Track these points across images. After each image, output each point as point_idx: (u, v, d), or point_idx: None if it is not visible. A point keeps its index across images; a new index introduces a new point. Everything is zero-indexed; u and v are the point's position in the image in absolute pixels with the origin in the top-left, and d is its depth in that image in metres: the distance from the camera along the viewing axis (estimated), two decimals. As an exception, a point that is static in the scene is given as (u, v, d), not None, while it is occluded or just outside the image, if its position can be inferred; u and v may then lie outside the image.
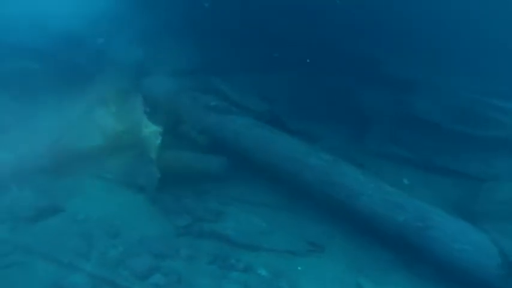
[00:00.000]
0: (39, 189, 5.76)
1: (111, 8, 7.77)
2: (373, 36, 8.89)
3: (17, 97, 7.20)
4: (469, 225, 5.48)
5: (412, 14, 8.48)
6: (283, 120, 7.76)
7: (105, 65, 8.17)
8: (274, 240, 5.51)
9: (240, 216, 5.82)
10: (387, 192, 5.86)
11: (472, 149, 7.43)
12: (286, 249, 5.38)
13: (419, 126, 7.88)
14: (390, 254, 5.37)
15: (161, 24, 9.24)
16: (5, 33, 7.40)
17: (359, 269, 5.17)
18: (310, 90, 8.77)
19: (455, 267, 5.05)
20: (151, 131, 6.51)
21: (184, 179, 6.25)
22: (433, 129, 7.78)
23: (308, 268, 5.19)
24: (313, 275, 5.10)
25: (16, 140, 6.10)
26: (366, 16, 8.72)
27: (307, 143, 6.88)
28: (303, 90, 8.76)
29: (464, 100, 8.34)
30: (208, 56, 9.17)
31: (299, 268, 5.18)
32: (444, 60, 8.73)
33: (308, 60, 8.63)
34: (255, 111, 7.78)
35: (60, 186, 5.91)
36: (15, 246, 4.91)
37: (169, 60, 9.14)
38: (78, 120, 6.96)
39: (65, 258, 4.82)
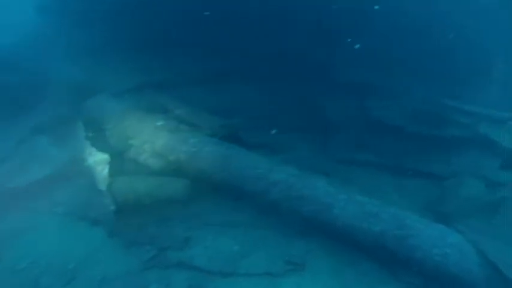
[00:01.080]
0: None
1: (47, 26, 7.26)
2: (330, 43, 9.03)
3: None
4: (445, 227, 5.56)
5: (368, 20, 8.72)
6: (240, 134, 7.56)
7: (41, 88, 7.56)
8: (249, 263, 5.21)
9: (208, 240, 5.48)
10: (359, 202, 5.86)
11: (434, 149, 7.66)
12: (264, 272, 5.10)
13: (382, 131, 8.03)
14: (374, 265, 5.26)
15: (102, 41, 8.79)
16: None
17: (344, 284, 5.00)
18: (267, 101, 8.68)
19: (438, 272, 5.04)
20: (96, 159, 6.07)
21: (143, 207, 5.83)
22: (395, 133, 7.96)
23: (291, 290, 4.93)
24: (298, 296, 4.86)
25: None
26: (322, 24, 8.85)
27: (269, 157, 6.76)
28: (260, 101, 8.65)
29: (422, 102, 8.67)
30: (154, 71, 8.83)
31: (281, 291, 4.91)
32: (401, 64, 9.04)
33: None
34: (208, 127, 7.52)
35: (-2, 228, 5.25)
36: None
37: (112, 79, 8.69)
38: (16, 151, 6.31)
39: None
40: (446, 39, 8.66)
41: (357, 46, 8.35)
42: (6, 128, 6.46)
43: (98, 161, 6.09)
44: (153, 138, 6.78)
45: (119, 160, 6.42)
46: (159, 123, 7.01)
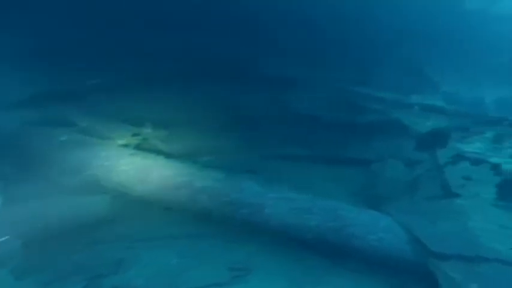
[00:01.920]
0: None
1: None
2: (244, 39, 8.92)
3: None
4: (376, 212, 5.73)
5: (280, 14, 8.78)
6: (156, 143, 7.13)
7: None
8: (192, 276, 4.83)
9: (143, 258, 5.02)
10: (290, 199, 5.85)
11: (354, 136, 7.94)
12: (209, 283, 4.76)
13: (303, 123, 8.13)
14: (318, 259, 5.22)
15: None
16: None
17: (292, 281, 4.87)
18: (184, 103, 8.31)
19: (377, 256, 5.17)
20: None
21: (63, 233, 5.18)
22: (316, 124, 8.11)
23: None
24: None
25: None
26: (235, 20, 8.71)
27: (191, 162, 6.49)
28: (176, 104, 8.25)
29: (338, 92, 8.97)
30: (53, 81, 7.97)
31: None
32: (314, 56, 9.26)
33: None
34: (120, 138, 7.05)
35: None
36: None
37: (7, 90, 7.70)
38: None
39: None
40: (355, 30, 9.07)
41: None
42: None
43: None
44: (59, 155, 6.05)
45: (22, 184, 5.68)
46: (63, 138, 6.32)
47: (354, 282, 4.87)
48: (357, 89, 9.24)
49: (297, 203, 5.79)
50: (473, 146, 7.16)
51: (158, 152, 6.49)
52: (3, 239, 4.85)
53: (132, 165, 6.16)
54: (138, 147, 6.73)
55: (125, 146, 6.77)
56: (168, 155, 6.40)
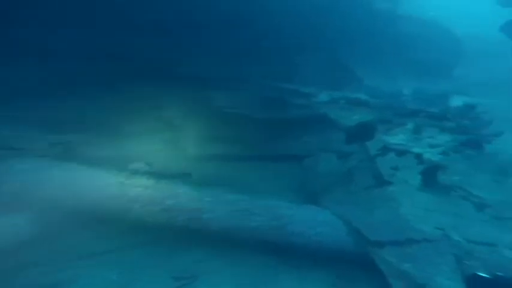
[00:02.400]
0: None
1: None
2: (168, 39, 8.63)
3: None
4: (313, 206, 5.89)
5: (204, 14, 8.61)
6: (78, 151, 6.64)
7: None
8: None
9: (82, 277, 4.64)
10: (228, 201, 5.80)
11: (285, 132, 8.05)
12: None
13: (231, 121, 8.06)
14: (264, 259, 5.19)
15: None
16: None
17: (241, 284, 4.79)
18: (108, 106, 7.81)
19: (320, 249, 5.28)
20: None
21: None
22: (246, 122, 8.09)
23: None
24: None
25: None
26: (159, 20, 8.39)
27: (118, 170, 6.15)
28: (100, 108, 7.73)
29: (264, 89, 9.04)
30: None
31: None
32: (238, 55, 9.23)
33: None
34: (37, 148, 6.48)
35: None
36: None
37: None
38: None
39: None
40: (280, 28, 9.21)
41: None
42: None
43: None
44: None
45: None
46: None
47: (301, 277, 4.94)
48: (283, 85, 9.39)
49: (236, 205, 5.77)
50: (397, 138, 7.65)
51: (83, 161, 6.00)
52: None
53: (55, 177, 5.68)
54: (58, 157, 6.17)
55: (43, 156, 6.17)
56: (94, 164, 5.97)
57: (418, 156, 7.00)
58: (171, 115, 8.23)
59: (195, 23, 8.85)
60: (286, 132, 8.12)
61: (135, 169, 6.44)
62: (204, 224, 5.41)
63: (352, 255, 5.26)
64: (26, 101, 7.39)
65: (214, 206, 5.68)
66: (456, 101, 8.77)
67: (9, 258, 4.76)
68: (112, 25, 8.33)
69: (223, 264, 5.04)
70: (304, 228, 5.44)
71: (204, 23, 9.01)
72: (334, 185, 6.72)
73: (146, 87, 8.35)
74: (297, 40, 9.76)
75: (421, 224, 5.69)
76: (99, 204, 5.35)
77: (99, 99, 7.84)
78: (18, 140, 6.39)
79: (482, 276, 3.12)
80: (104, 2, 7.76)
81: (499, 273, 3.11)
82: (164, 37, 8.47)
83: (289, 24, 9.57)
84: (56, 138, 6.73)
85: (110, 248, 5.08)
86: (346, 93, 9.46)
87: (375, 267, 5.01)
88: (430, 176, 6.63)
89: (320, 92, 9.28)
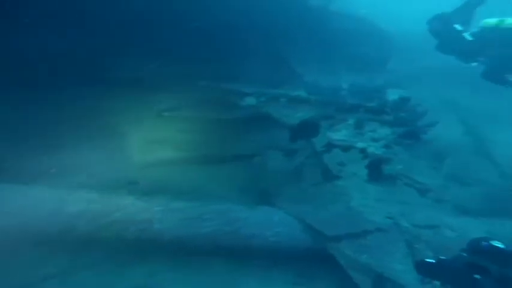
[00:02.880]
0: None
1: None
2: (98, 40, 8.15)
3: None
4: (267, 207, 5.88)
5: (136, 13, 8.26)
6: (11, 165, 6.10)
7: None
8: None
9: None
10: (178, 209, 5.73)
11: (230, 133, 7.96)
12: None
13: (173, 124, 7.84)
14: (223, 265, 5.09)
15: None
16: None
17: None
18: (40, 113, 7.20)
19: (279, 250, 5.34)
20: None
21: None
22: (189, 124, 7.91)
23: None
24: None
25: None
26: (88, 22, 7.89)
27: (55, 186, 5.76)
28: (32, 115, 7.11)
29: (203, 90, 8.87)
30: None
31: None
32: (174, 55, 8.97)
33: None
34: None
35: None
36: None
37: None
38: None
39: None
40: (216, 26, 9.11)
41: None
42: None
43: None
44: None
45: None
46: None
47: (261, 279, 4.93)
48: (223, 85, 9.28)
49: (186, 212, 5.70)
50: (341, 134, 7.87)
51: (15, 177, 5.51)
52: None
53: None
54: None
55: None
56: (28, 179, 5.50)
57: (363, 151, 7.26)
58: (111, 121, 7.80)
59: (132, 22, 8.50)
60: (231, 132, 8.04)
61: (76, 182, 6.06)
62: (156, 235, 5.23)
63: (311, 252, 5.36)
64: None
65: (165, 215, 5.55)
66: (392, 95, 9.23)
67: None
68: (38, 24, 7.73)
69: (180, 275, 4.90)
70: (260, 230, 5.45)
71: (143, 23, 8.67)
72: (285, 183, 6.77)
73: (82, 92, 7.84)
74: (236, 38, 9.71)
75: (373, 215, 5.93)
76: (38, 224, 4.93)
77: (34, 105, 7.23)
78: None
79: (429, 261, 3.39)
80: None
81: (443, 257, 3.39)
82: (98, 38, 8.02)
83: (227, 24, 9.50)
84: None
85: (54, 272, 4.70)
86: (287, 90, 9.57)
87: (334, 262, 5.11)
88: (375, 168, 6.92)
89: (261, 90, 9.31)
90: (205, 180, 6.72)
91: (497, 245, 3.28)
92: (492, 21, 6.55)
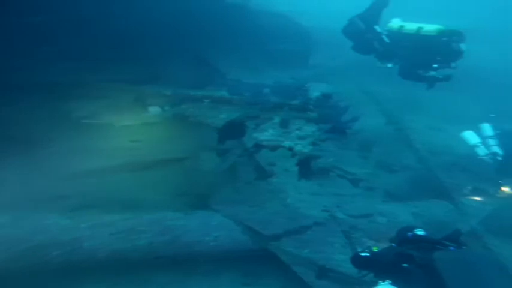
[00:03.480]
0: None
1: None
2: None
3: None
4: (204, 212, 5.83)
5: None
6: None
7: None
8: None
9: None
10: (108, 223, 5.36)
11: (156, 137, 7.68)
12: None
13: (93, 131, 7.40)
14: (169, 274, 4.92)
15: None
16: None
17: None
18: None
19: (221, 254, 5.24)
20: None
21: None
22: (108, 129, 7.52)
23: None
24: None
25: None
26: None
27: None
28: None
29: (124, 93, 8.45)
30: None
31: None
32: (91, 58, 8.46)
33: None
34: None
35: None
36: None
37: None
38: None
39: None
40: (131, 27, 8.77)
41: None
42: None
43: None
44: None
45: None
46: None
47: (209, 284, 4.89)
48: (142, 88, 8.93)
49: (118, 226, 5.32)
50: (267, 133, 7.93)
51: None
52: None
53: None
54: None
55: None
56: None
57: (290, 149, 7.39)
58: (25, 131, 7.12)
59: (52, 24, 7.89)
60: (157, 136, 7.76)
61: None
62: (87, 254, 4.86)
63: (254, 252, 5.36)
64: None
65: (94, 231, 5.15)
66: (315, 91, 9.52)
67: None
68: None
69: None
70: (199, 236, 5.33)
71: (58, 25, 8.08)
72: (219, 184, 6.68)
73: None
74: (154, 39, 9.40)
75: (309, 210, 6.10)
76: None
77: None
78: None
79: (363, 255, 3.59)
80: None
81: (376, 250, 3.61)
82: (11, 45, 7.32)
83: (145, 24, 9.18)
84: None
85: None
86: (210, 91, 9.43)
87: (278, 259, 5.16)
88: (305, 164, 7.09)
89: (183, 92, 9.10)
90: (136, 189, 6.38)
91: (419, 233, 3.57)
92: (395, 25, 7.10)
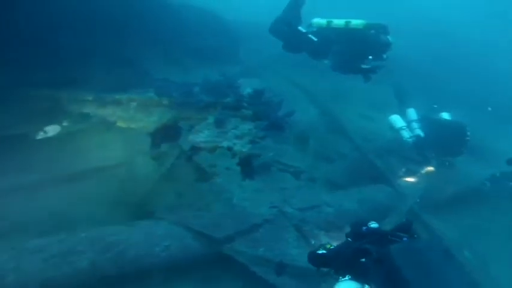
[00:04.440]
0: None
1: None
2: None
3: None
4: (148, 221, 5.56)
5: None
6: None
7: None
8: None
9: None
10: (40, 247, 4.85)
11: (82, 144, 7.12)
12: None
13: (13, 141, 6.69)
14: None
15: None
16: None
17: None
18: None
19: (174, 264, 5.06)
20: None
21: None
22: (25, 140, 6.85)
23: None
24: None
25: None
26: None
27: None
28: None
29: (37, 100, 7.69)
30: None
31: None
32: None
33: None
34: None
35: None
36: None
37: None
38: None
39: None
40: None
41: None
42: None
43: None
44: None
45: None
46: None
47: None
48: (60, 93, 8.20)
49: (52, 249, 4.79)
50: (203, 135, 7.67)
51: None
52: None
53: None
54: None
55: None
56: None
57: (229, 149, 7.24)
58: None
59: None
60: (83, 144, 7.16)
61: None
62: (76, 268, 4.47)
63: (209, 257, 5.20)
64: None
65: (19, 260, 4.57)
66: (246, 87, 9.43)
67: None
68: None
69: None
70: (147, 248, 5.03)
71: None
72: (158, 190, 6.36)
73: None
74: (71, 39, 8.66)
75: (257, 208, 6.03)
76: None
77: None
78: None
79: (320, 253, 3.65)
80: None
81: (332, 247, 3.68)
82: None
83: (62, 24, 8.44)
84: None
85: None
86: (136, 93, 8.95)
87: (235, 261, 5.05)
88: (247, 163, 7.00)
89: (107, 96, 8.52)
90: (67, 204, 5.82)
91: (373, 226, 3.65)
92: (322, 21, 7.31)
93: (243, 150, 7.29)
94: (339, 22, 6.88)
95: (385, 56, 6.69)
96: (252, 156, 7.16)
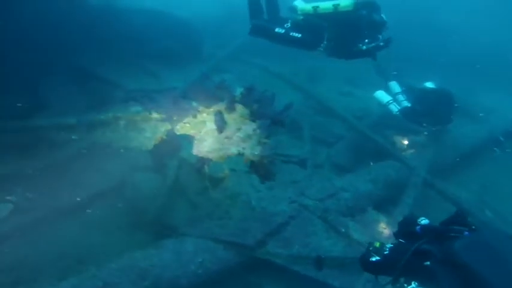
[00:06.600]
0: None
1: None
2: None
3: None
4: (174, 239, 5.49)
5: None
6: None
7: None
8: None
9: None
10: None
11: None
12: None
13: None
14: None
15: None
16: None
17: None
18: None
19: (212, 278, 5.09)
20: None
21: None
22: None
23: None
24: None
25: None
26: None
27: None
28: None
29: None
30: None
31: None
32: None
33: None
34: None
35: None
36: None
37: None
38: None
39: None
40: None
41: None
42: None
43: None
44: None
45: None
46: None
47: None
48: (35, 121, 7.72)
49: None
50: (207, 143, 7.34)
51: None
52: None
53: None
54: None
55: None
56: None
57: (241, 155, 7.11)
58: None
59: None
60: (78, 174, 6.83)
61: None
62: None
63: (246, 265, 5.20)
64: None
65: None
66: (236, 86, 9.16)
67: None
68: None
69: None
70: (182, 267, 4.97)
71: None
72: (170, 204, 6.24)
73: None
74: (27, 56, 8.00)
75: (277, 205, 6.05)
76: None
77: None
78: None
79: (374, 260, 3.35)
80: None
81: (383, 248, 3.39)
82: None
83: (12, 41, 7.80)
84: None
85: None
86: (120, 110, 8.46)
87: (274, 264, 5.10)
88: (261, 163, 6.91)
89: (90, 117, 8.01)
90: (80, 235, 5.63)
91: (423, 222, 3.26)
92: (308, 7, 6.94)
93: (255, 153, 7.16)
94: (326, 6, 6.62)
95: (380, 36, 6.57)
96: (264, 158, 7.05)
